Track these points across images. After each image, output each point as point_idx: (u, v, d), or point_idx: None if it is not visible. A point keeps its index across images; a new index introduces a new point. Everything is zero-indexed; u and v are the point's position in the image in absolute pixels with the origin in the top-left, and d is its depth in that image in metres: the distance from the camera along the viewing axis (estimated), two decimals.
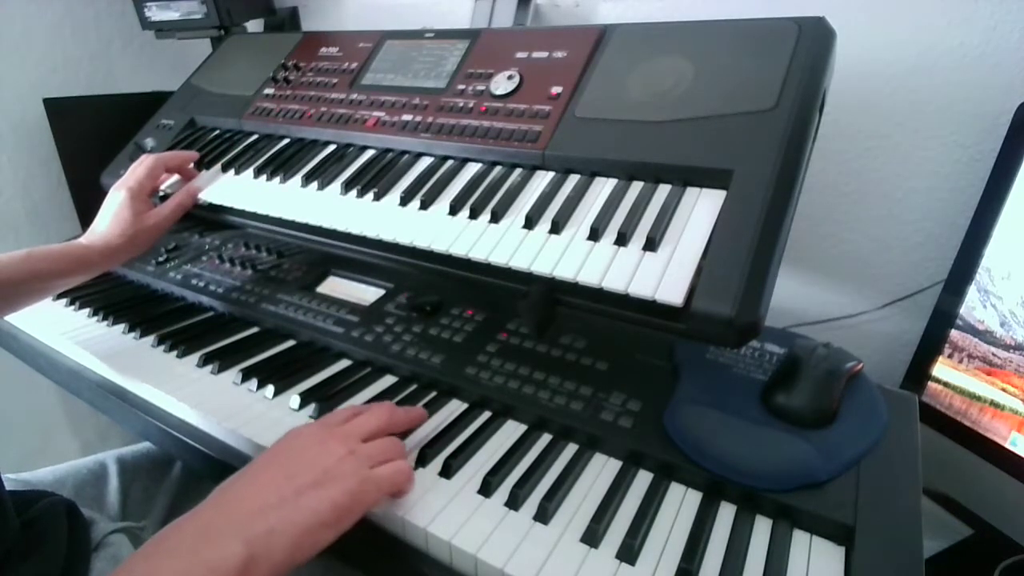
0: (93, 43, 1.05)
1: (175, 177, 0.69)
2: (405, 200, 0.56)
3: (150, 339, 0.64)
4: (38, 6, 0.97)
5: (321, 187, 0.62)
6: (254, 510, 0.35)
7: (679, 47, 0.54)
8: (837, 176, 0.73)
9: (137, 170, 0.65)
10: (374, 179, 0.60)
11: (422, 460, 0.46)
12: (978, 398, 0.58)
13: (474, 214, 0.52)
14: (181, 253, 0.82)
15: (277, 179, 0.65)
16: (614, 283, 0.43)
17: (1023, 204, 0.54)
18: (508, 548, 0.39)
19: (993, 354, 0.56)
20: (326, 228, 0.58)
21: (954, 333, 0.60)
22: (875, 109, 0.68)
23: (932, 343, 0.62)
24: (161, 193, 0.68)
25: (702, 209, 0.46)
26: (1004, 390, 0.55)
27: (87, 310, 0.71)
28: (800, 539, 0.41)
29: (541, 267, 0.46)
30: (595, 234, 0.47)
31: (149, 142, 0.79)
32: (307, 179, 0.63)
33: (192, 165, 0.71)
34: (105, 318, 0.69)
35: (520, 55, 0.62)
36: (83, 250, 0.61)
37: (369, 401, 0.54)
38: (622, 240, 0.46)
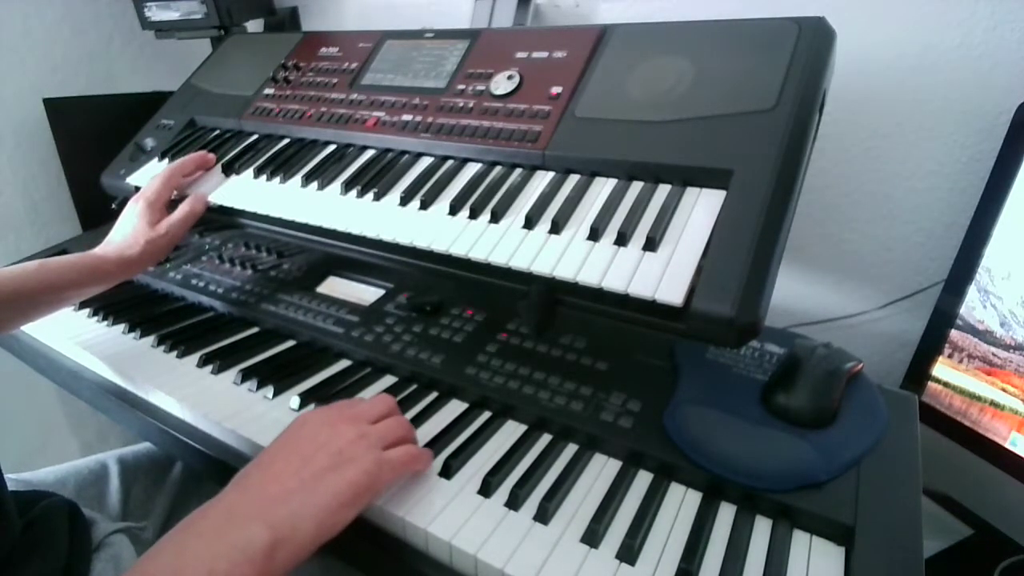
0: (93, 43, 1.05)
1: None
2: (405, 200, 0.56)
3: (150, 339, 0.64)
4: (38, 6, 0.97)
5: (321, 187, 0.62)
6: (275, 496, 0.36)
7: (679, 47, 0.54)
8: (837, 176, 0.73)
9: (154, 181, 0.66)
10: (374, 179, 0.60)
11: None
12: (978, 398, 0.58)
13: (474, 214, 0.52)
14: (181, 253, 0.82)
15: (277, 179, 0.65)
16: (614, 283, 0.43)
17: (1023, 204, 0.54)
18: (508, 548, 0.39)
19: (993, 354, 0.56)
20: (326, 228, 0.58)
21: (954, 333, 0.60)
22: (875, 109, 0.68)
23: (932, 343, 0.62)
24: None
25: (702, 209, 0.46)
26: (1004, 390, 0.55)
27: (87, 310, 0.71)
28: (800, 539, 0.41)
29: (541, 267, 0.46)
30: (595, 234, 0.47)
31: (149, 142, 0.79)
32: (307, 179, 0.63)
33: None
34: (105, 318, 0.69)
35: (520, 55, 0.62)
36: (96, 260, 0.61)
37: None
38: (622, 240, 0.46)
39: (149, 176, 0.67)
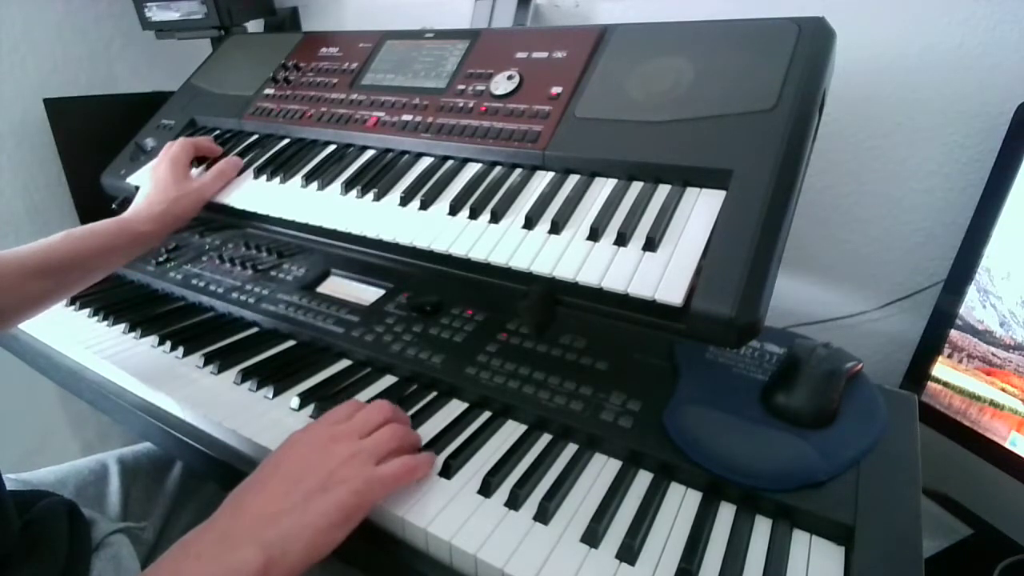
0: (93, 43, 1.05)
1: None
2: (405, 200, 0.56)
3: (150, 339, 0.64)
4: (38, 6, 0.97)
5: (321, 187, 0.62)
6: (267, 517, 0.37)
7: (679, 47, 0.54)
8: (837, 176, 0.73)
9: (173, 146, 0.68)
10: (374, 179, 0.60)
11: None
12: (978, 398, 0.58)
13: (474, 214, 0.52)
14: (181, 253, 0.82)
15: (277, 179, 0.65)
16: (614, 283, 0.43)
17: (1023, 204, 0.54)
18: (508, 548, 0.39)
19: (993, 354, 0.56)
20: (326, 228, 0.58)
21: (954, 333, 0.60)
22: (875, 109, 0.68)
23: (932, 343, 0.62)
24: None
25: (702, 209, 0.46)
26: (1003, 390, 0.56)
27: (87, 310, 0.71)
28: (800, 539, 0.41)
29: (541, 267, 0.46)
30: (595, 234, 0.47)
31: (149, 142, 0.79)
32: (307, 179, 0.63)
33: (195, 163, 0.71)
34: (105, 318, 0.69)
35: (520, 55, 0.62)
36: (124, 222, 0.61)
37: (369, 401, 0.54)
38: (622, 240, 0.46)
39: None
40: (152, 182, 0.65)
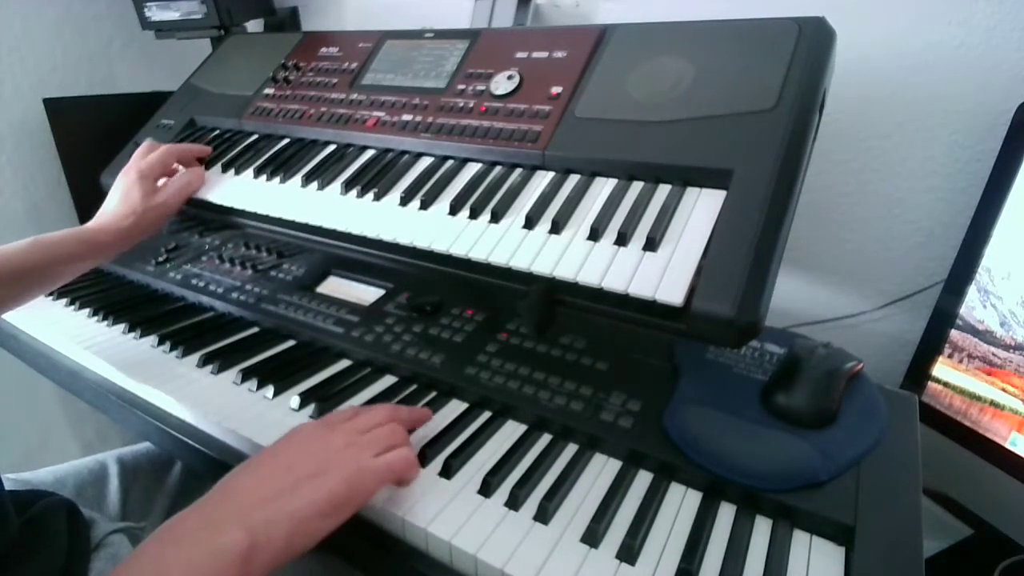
0: (93, 43, 1.05)
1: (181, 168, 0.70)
2: (405, 200, 0.56)
3: (150, 339, 0.64)
4: (38, 6, 0.97)
5: (321, 187, 0.62)
6: (254, 500, 0.36)
7: (679, 47, 0.54)
8: (837, 176, 0.73)
9: (150, 156, 0.66)
10: (374, 179, 0.60)
11: (422, 460, 0.46)
12: (978, 398, 0.58)
13: (474, 214, 0.52)
14: (181, 253, 0.82)
15: (277, 179, 0.65)
16: (614, 283, 0.43)
17: (1023, 204, 0.54)
18: (508, 548, 0.39)
19: (993, 354, 0.56)
20: (326, 228, 0.58)
21: (954, 333, 0.60)
22: (875, 109, 0.68)
23: (932, 343, 0.62)
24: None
25: (702, 209, 0.46)
26: (1004, 390, 0.55)
27: (87, 310, 0.71)
28: (800, 539, 0.41)
29: (541, 267, 0.46)
30: (595, 234, 0.47)
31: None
32: (307, 179, 0.63)
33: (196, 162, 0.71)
34: (105, 318, 0.69)
35: (520, 55, 0.62)
36: (91, 233, 0.61)
37: (369, 402, 0.54)
38: (622, 240, 0.46)
39: None
40: (121, 193, 0.64)
